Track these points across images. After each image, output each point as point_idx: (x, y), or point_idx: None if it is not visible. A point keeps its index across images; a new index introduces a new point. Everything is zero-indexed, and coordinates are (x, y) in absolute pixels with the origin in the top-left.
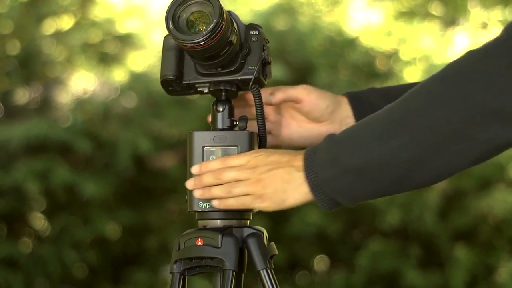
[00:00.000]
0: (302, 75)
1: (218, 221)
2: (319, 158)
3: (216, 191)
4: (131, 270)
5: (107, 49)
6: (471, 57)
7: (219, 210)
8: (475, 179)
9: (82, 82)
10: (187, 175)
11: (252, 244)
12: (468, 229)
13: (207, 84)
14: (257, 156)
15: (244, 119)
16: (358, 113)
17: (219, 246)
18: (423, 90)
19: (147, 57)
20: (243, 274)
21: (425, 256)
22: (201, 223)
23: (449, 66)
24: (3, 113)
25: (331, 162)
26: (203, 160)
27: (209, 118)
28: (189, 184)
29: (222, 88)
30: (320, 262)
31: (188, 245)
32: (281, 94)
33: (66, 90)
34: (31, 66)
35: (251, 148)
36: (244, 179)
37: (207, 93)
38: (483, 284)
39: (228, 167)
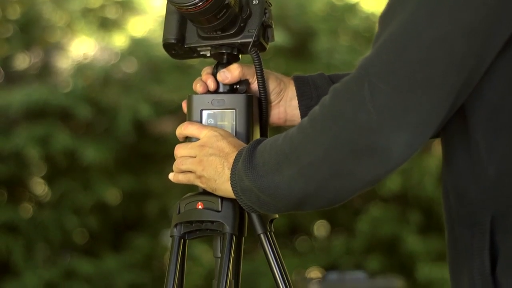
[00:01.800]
0: (302, 40)
1: None
2: (239, 166)
3: (173, 167)
4: (132, 235)
5: (107, 14)
6: (335, 94)
7: None
8: None
9: (82, 48)
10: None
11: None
12: None
13: (209, 48)
14: (211, 136)
15: (245, 82)
16: (302, 95)
17: (219, 209)
18: (302, 126)
19: (147, 22)
20: (243, 238)
21: (425, 221)
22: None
23: (320, 103)
24: (3, 78)
25: (245, 176)
26: (201, 123)
27: (195, 85)
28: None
29: (224, 51)
30: (320, 227)
31: (188, 209)
32: (238, 72)
33: (66, 56)
34: (31, 31)
35: (249, 111)
36: (191, 156)
37: (209, 56)
38: None
39: (184, 144)
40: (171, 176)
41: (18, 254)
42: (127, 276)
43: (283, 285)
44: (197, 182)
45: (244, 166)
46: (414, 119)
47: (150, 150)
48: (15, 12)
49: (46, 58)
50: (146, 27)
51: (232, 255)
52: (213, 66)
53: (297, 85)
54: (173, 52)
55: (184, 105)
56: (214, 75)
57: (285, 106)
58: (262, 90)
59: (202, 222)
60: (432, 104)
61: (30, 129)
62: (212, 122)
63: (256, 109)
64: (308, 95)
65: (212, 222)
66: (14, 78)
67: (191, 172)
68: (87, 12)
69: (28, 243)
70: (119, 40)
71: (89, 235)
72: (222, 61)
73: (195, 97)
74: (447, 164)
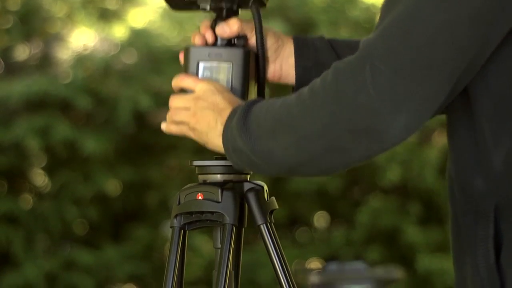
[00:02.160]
0: (302, 31)
1: (218, 175)
2: (233, 125)
3: (167, 117)
4: (132, 226)
5: (107, 5)
6: (336, 72)
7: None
8: None
9: (82, 38)
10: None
11: (252, 198)
12: None
13: (209, 1)
14: (207, 90)
15: (243, 38)
16: (300, 55)
17: (219, 200)
18: (302, 98)
19: (147, 13)
20: (243, 229)
21: (425, 213)
22: (201, 177)
23: (322, 78)
24: (3, 69)
25: (238, 136)
26: (197, 75)
27: (194, 37)
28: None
29: (223, 6)
30: (320, 219)
31: (188, 200)
32: (237, 27)
33: (66, 47)
34: (31, 22)
35: (245, 66)
36: (186, 108)
37: (208, 10)
38: None
39: (180, 96)
40: (163, 126)
41: (18, 245)
42: (127, 267)
43: (283, 276)
44: (190, 134)
45: (238, 126)
46: (413, 103)
47: (150, 141)
48: (15, 3)
49: (46, 49)
50: (146, 18)
51: (232, 246)
52: (212, 20)
53: (296, 45)
54: (173, 2)
55: (181, 56)
56: (212, 28)
57: (281, 63)
58: (260, 47)
59: (202, 213)
60: (432, 89)
61: (30, 120)
62: (208, 75)
63: (253, 65)
64: (306, 56)
65: (212, 213)
66: (14, 69)
67: (184, 124)
68: (87, 3)
69: (28, 234)
70: (119, 31)
71: (89, 226)
72: (221, 15)
73: (192, 48)
74: (452, 154)
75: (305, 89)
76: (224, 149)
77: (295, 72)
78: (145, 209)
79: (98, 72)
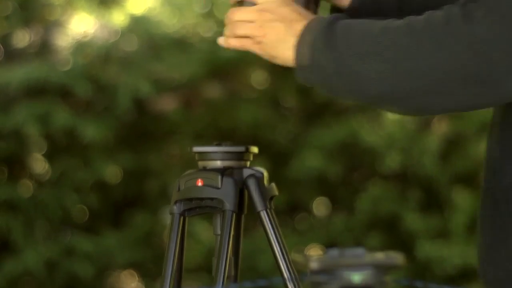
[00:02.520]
0: None
1: (218, 161)
2: (315, 40)
3: (227, 31)
4: (131, 213)
5: None
6: (452, 16)
7: None
8: (475, 123)
9: (82, 25)
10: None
11: (252, 185)
12: (468, 172)
13: None
14: (272, 1)
15: None
16: None
17: (219, 186)
18: (415, 30)
19: (147, 0)
20: (243, 215)
21: (425, 199)
22: (201, 164)
23: (444, 16)
24: (2, 56)
25: (321, 53)
26: None
27: None
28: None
29: None
30: (320, 205)
31: (188, 186)
32: None
33: (66, 33)
34: (31, 8)
35: None
36: (249, 21)
37: None
38: None
39: (242, 8)
40: (221, 40)
41: (18, 231)
42: (127, 254)
43: (283, 262)
44: (254, 48)
45: (323, 42)
46: None
47: (150, 128)
48: None
49: (46, 35)
50: (146, 4)
51: (232, 232)
52: None
53: None
54: None
55: None
56: None
57: None
58: None
59: (202, 199)
60: None
61: (30, 106)
62: None
63: None
64: None
65: (212, 199)
66: (13, 56)
67: (248, 37)
68: None
69: (28, 221)
70: (119, 18)
71: (89, 212)
72: None
73: None
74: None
75: (417, 19)
76: (297, 64)
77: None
78: (145, 195)
79: (98, 58)
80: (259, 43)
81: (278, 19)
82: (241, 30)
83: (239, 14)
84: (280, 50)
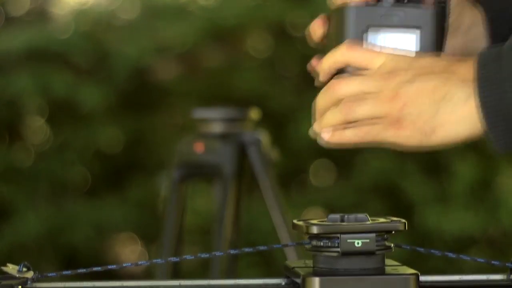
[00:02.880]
0: None
1: (218, 126)
2: (510, 65)
3: (328, 115)
4: (132, 179)
5: None
6: None
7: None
8: None
9: None
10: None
11: (252, 149)
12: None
13: None
14: (399, 59)
15: None
16: (493, 19)
17: (219, 152)
18: None
19: None
20: (243, 180)
21: (424, 166)
22: (201, 129)
23: None
24: (3, 22)
25: None
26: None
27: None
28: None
29: None
30: (321, 170)
31: (188, 151)
32: None
33: (65, 0)
34: None
35: (439, 33)
36: (371, 92)
37: None
38: (483, 194)
39: (352, 77)
40: (325, 135)
41: (19, 198)
42: (128, 218)
43: (283, 227)
44: (389, 133)
45: None
46: None
47: (151, 95)
48: None
49: (45, 2)
50: None
51: (232, 197)
52: None
53: (488, 10)
54: None
55: (320, 22)
56: None
57: (465, 37)
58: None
59: (201, 164)
60: None
61: (30, 73)
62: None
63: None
64: (502, 18)
65: (211, 164)
66: (13, 23)
67: (375, 119)
68: None
69: (29, 187)
70: None
71: (91, 179)
72: None
73: (354, 9)
74: None
75: None
76: (490, 117)
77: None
78: (145, 161)
79: (99, 25)
80: (396, 122)
81: (422, 72)
82: (361, 110)
83: (350, 84)
84: (443, 115)
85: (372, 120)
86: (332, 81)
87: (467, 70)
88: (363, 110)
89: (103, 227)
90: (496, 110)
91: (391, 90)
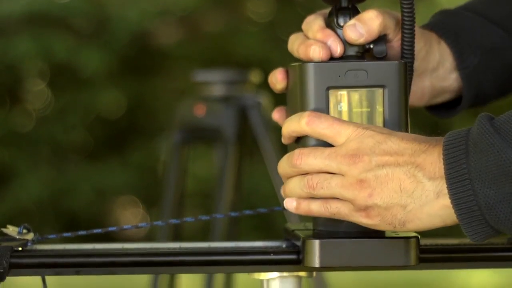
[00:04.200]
0: None
1: (219, 89)
2: (478, 162)
3: (292, 185)
4: (134, 142)
5: None
6: None
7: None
8: None
9: None
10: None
11: (253, 113)
12: None
13: None
14: (364, 137)
15: (382, 39)
16: (460, 56)
17: (220, 115)
18: None
19: None
20: (244, 144)
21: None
22: (202, 92)
23: None
24: None
25: (504, 174)
26: (327, 112)
27: (306, 49)
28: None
29: None
30: None
31: (189, 115)
32: (378, 25)
33: None
34: None
35: (404, 89)
36: (335, 173)
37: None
38: None
39: (312, 148)
40: (290, 205)
41: (21, 162)
42: (129, 182)
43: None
44: (357, 218)
45: (493, 141)
46: None
47: (152, 60)
48: None
49: None
50: None
51: (233, 160)
52: (327, 13)
53: (452, 43)
54: None
55: (280, 76)
56: (332, 29)
57: (430, 77)
58: (408, 53)
59: (203, 127)
60: None
61: (31, 37)
62: (345, 109)
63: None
64: (467, 54)
65: (212, 127)
66: None
67: (340, 200)
68: None
69: (30, 151)
70: None
71: (92, 142)
72: (340, 3)
73: (315, 66)
74: None
75: None
76: (463, 216)
77: (464, 84)
78: (146, 125)
79: None
80: (364, 209)
81: (387, 162)
82: (327, 189)
83: (315, 159)
84: (415, 209)
85: (340, 200)
86: (296, 151)
87: (434, 165)
88: (329, 190)
89: (104, 191)
90: (469, 207)
91: (355, 177)
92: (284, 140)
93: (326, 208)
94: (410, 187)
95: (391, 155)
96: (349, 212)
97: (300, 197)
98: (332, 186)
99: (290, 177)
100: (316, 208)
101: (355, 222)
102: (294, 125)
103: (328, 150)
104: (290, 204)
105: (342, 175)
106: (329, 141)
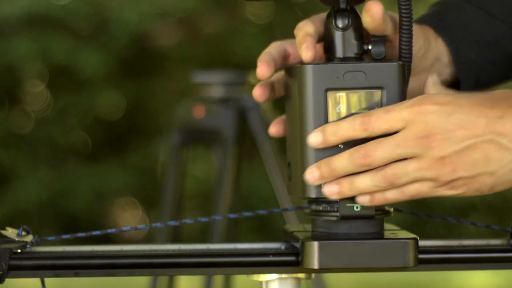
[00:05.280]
0: None
1: (218, 91)
2: None
3: (365, 184)
4: (133, 144)
5: None
6: None
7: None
8: None
9: None
10: (295, 143)
11: (253, 115)
12: None
13: None
14: (421, 113)
15: (381, 40)
16: (456, 53)
17: (220, 117)
18: None
19: None
20: (243, 145)
21: None
22: (201, 94)
23: None
24: None
25: None
26: (326, 116)
27: (301, 45)
28: (311, 174)
29: None
30: None
31: (188, 117)
32: (380, 11)
33: None
34: None
35: (403, 90)
36: (410, 157)
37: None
38: None
39: (377, 140)
40: (364, 199)
41: (20, 164)
42: (128, 183)
43: (283, 190)
44: (440, 193)
45: None
46: None
47: (151, 61)
48: None
49: None
50: None
51: (232, 162)
52: (321, 17)
53: (449, 39)
54: None
55: (258, 92)
56: (332, 30)
57: (427, 74)
58: (406, 53)
59: (202, 129)
60: None
61: (30, 39)
62: (344, 111)
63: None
64: (464, 48)
65: (212, 129)
66: None
67: (417, 181)
68: None
69: (30, 153)
70: None
71: (91, 144)
72: (337, 5)
73: (313, 68)
74: None
75: None
76: None
77: (461, 78)
78: (145, 127)
79: None
80: (450, 181)
81: (464, 136)
82: (408, 175)
83: (384, 149)
84: (500, 175)
85: (419, 182)
86: (358, 151)
87: (510, 124)
88: (407, 177)
89: (103, 192)
90: None
91: (433, 157)
92: (324, 138)
93: (403, 193)
94: (496, 155)
95: (465, 128)
96: (429, 189)
97: (377, 190)
98: (409, 172)
99: (352, 172)
100: (392, 195)
101: (437, 197)
102: (349, 133)
103: (394, 139)
104: (362, 199)
105: (417, 157)
106: (388, 133)
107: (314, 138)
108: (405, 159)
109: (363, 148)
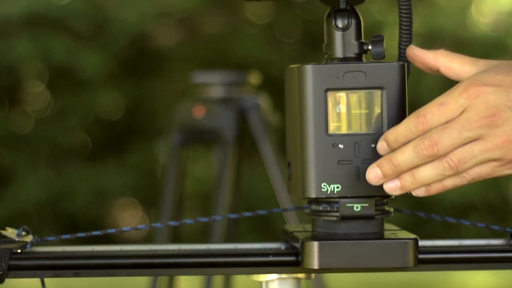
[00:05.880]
0: None
1: (218, 92)
2: None
3: (428, 174)
4: (133, 144)
5: None
6: None
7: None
8: None
9: None
10: (294, 147)
11: (252, 115)
12: None
13: None
14: (480, 93)
15: (381, 40)
16: None
17: (219, 117)
18: None
19: None
20: (243, 145)
21: None
22: (201, 94)
23: None
24: None
25: None
26: (326, 116)
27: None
28: (373, 174)
29: None
30: None
31: (188, 116)
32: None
33: None
34: None
35: (403, 91)
36: (475, 139)
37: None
38: None
39: (440, 128)
40: (420, 191)
41: (20, 164)
42: (128, 183)
43: (283, 190)
44: (503, 172)
45: None
46: None
47: (151, 62)
48: None
49: None
50: None
51: (232, 162)
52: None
53: None
54: None
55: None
56: (331, 30)
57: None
58: (404, 52)
59: (202, 129)
60: None
61: (30, 39)
62: (344, 111)
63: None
64: None
65: (212, 129)
66: None
67: (484, 163)
68: None
69: (30, 153)
70: None
71: (91, 144)
72: (338, 5)
73: (313, 68)
74: None
75: None
76: None
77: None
78: (145, 127)
79: None
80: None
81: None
82: (474, 158)
83: (449, 135)
84: None
85: (483, 163)
86: (423, 141)
87: None
88: (473, 160)
89: (103, 192)
90: None
91: (500, 136)
92: (389, 147)
93: (464, 178)
94: None
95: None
96: (491, 170)
97: (442, 177)
98: (476, 154)
99: (417, 165)
100: (450, 182)
101: (498, 176)
102: (409, 136)
103: (458, 123)
104: (420, 190)
105: (481, 139)
106: (452, 112)
107: (381, 147)
108: (468, 143)
109: (427, 139)
